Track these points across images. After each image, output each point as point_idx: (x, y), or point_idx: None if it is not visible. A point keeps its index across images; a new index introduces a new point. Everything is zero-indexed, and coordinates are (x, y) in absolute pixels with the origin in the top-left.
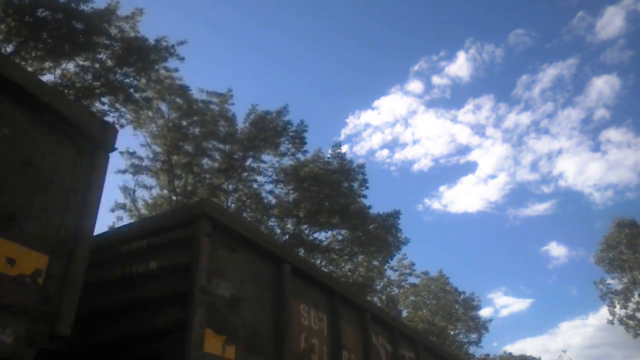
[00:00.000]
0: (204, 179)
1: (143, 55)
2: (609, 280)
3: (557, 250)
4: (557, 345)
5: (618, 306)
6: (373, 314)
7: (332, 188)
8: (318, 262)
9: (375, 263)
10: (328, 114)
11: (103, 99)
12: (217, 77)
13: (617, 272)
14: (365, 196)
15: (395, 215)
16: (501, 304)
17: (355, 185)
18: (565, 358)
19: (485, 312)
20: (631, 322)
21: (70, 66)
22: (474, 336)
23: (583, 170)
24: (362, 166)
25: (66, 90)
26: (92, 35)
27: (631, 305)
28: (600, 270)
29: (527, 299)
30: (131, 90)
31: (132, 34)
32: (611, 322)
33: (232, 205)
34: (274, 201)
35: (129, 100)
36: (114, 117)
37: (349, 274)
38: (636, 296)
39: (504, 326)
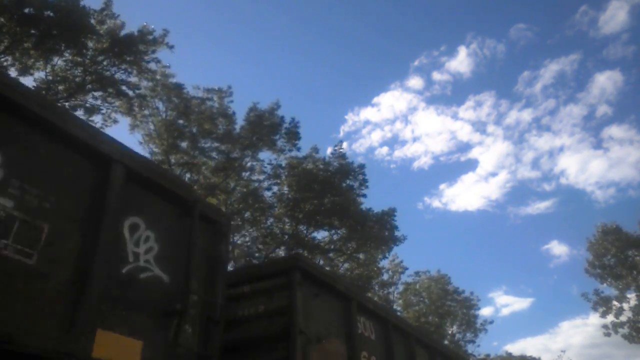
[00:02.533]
0: (203, 178)
1: (130, 45)
2: (602, 286)
3: (558, 248)
4: (558, 344)
5: (611, 315)
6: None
7: (332, 188)
8: (317, 262)
9: (373, 260)
10: (326, 111)
11: (95, 93)
12: (216, 76)
13: (611, 279)
14: (365, 195)
15: (391, 213)
16: (502, 303)
17: (355, 185)
18: (565, 358)
19: (485, 312)
20: (630, 331)
21: (61, 62)
22: (470, 334)
23: (585, 167)
24: (362, 166)
25: (58, 87)
26: (79, 32)
27: (626, 312)
28: (595, 282)
29: (527, 298)
30: (122, 85)
31: (114, 22)
32: (607, 335)
33: (233, 205)
34: (273, 201)
35: (120, 94)
36: (105, 112)
37: (348, 273)
38: (632, 300)
39: (504, 325)
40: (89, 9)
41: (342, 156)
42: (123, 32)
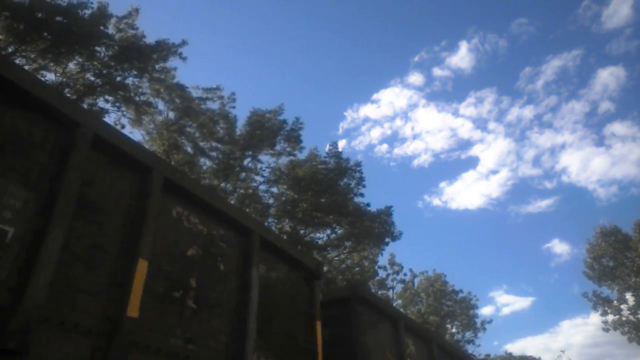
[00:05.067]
0: (202, 178)
1: (144, 54)
2: (601, 286)
3: (559, 247)
4: (559, 344)
5: (610, 314)
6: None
7: (329, 187)
8: None
9: (368, 257)
10: (326, 108)
11: (107, 97)
12: (215, 72)
13: (608, 280)
14: (362, 194)
15: (387, 212)
16: (502, 303)
17: (352, 183)
18: (566, 357)
19: (486, 311)
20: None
21: (71, 65)
22: (469, 334)
23: (587, 165)
24: (358, 164)
25: (67, 89)
26: (90, 40)
27: (624, 312)
28: (593, 283)
29: (528, 297)
30: (131, 92)
31: (132, 32)
32: (606, 330)
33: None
34: (271, 201)
35: (130, 101)
36: (116, 117)
37: (346, 273)
38: (630, 300)
39: (505, 325)
40: (107, 14)
41: (337, 155)
42: (142, 44)
